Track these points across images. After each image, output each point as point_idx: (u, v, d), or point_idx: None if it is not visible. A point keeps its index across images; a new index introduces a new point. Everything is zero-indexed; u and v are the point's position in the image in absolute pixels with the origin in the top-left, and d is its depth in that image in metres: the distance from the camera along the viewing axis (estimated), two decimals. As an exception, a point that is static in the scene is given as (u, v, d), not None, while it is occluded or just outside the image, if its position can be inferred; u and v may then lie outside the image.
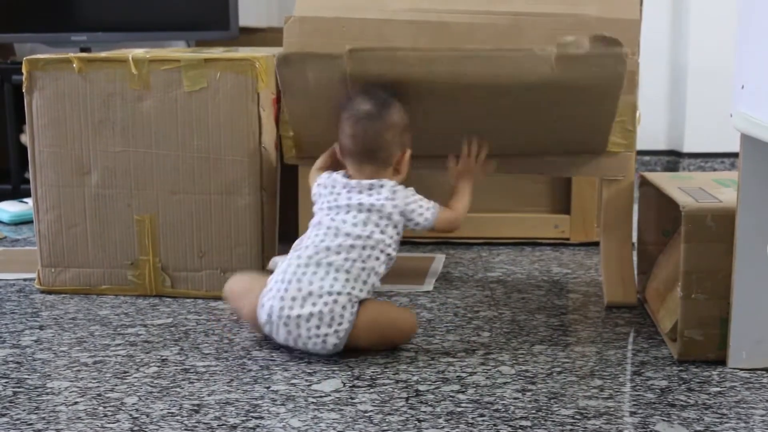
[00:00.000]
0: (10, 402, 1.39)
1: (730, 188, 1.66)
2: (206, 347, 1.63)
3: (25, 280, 2.08)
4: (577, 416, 1.32)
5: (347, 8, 1.91)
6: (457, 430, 1.27)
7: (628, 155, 1.90)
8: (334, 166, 1.77)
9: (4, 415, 1.34)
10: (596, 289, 1.97)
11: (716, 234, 1.51)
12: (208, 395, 1.41)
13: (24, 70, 1.93)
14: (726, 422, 1.30)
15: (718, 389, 1.42)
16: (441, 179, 2.39)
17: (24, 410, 1.36)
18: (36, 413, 1.35)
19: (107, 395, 1.41)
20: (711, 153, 3.24)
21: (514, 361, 1.54)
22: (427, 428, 1.28)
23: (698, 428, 1.28)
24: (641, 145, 2.48)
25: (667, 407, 1.35)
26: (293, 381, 1.46)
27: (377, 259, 1.61)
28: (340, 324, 1.55)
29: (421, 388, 1.43)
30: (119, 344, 1.65)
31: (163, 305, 1.90)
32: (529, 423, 1.29)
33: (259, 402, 1.38)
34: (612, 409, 1.34)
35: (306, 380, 1.47)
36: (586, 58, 1.64)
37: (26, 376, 1.50)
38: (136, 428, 1.29)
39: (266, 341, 1.65)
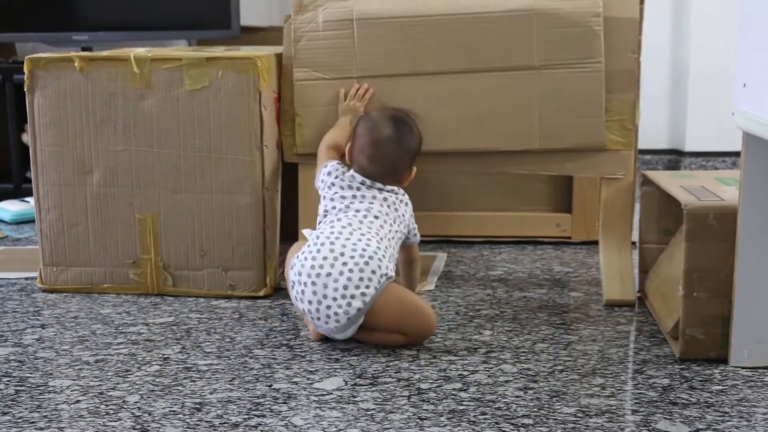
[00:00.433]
0: (12, 400, 1.39)
1: (732, 187, 1.66)
2: (208, 346, 1.63)
3: (26, 279, 2.09)
4: (579, 414, 1.32)
5: None
6: (459, 428, 1.27)
7: (627, 153, 1.90)
8: (342, 147, 1.85)
9: (6, 414, 1.34)
10: (597, 288, 1.97)
11: (718, 233, 1.50)
12: (210, 394, 1.41)
13: (26, 69, 1.93)
14: (728, 420, 1.30)
15: (720, 387, 1.42)
16: (442, 178, 2.42)
17: (26, 409, 1.36)
18: (38, 412, 1.35)
19: (109, 394, 1.41)
20: (712, 152, 3.23)
21: (516, 360, 1.54)
22: (429, 426, 1.28)
23: (700, 426, 1.28)
24: (643, 144, 2.49)
25: (668, 405, 1.35)
26: (295, 379, 1.46)
27: (399, 240, 1.72)
28: (367, 287, 1.56)
29: (423, 386, 1.43)
30: (121, 343, 1.65)
31: (164, 304, 1.90)
32: (531, 421, 1.29)
33: (261, 400, 1.38)
34: (614, 408, 1.34)
35: (308, 378, 1.47)
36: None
37: (28, 375, 1.50)
38: (138, 426, 1.29)
39: (268, 339, 1.66)
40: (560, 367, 1.51)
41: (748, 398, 1.38)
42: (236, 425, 1.29)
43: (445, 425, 1.28)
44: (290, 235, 2.07)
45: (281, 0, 3.41)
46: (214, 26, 2.87)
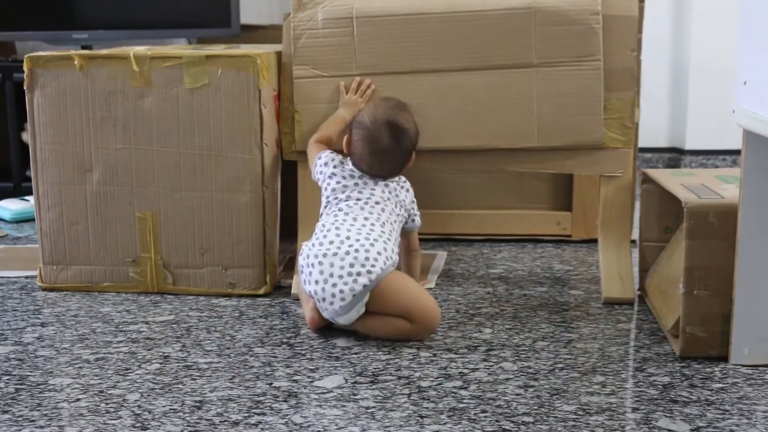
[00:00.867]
0: (13, 399, 1.39)
1: (733, 185, 1.66)
2: (208, 344, 1.63)
3: (26, 277, 2.09)
4: (579, 412, 1.31)
5: None
6: (459, 426, 1.27)
7: (626, 151, 1.90)
8: (332, 140, 1.89)
9: (6, 412, 1.34)
10: (598, 286, 1.96)
11: (718, 231, 1.50)
12: (210, 392, 1.41)
13: (25, 68, 1.93)
14: (728, 418, 1.30)
15: (721, 385, 1.42)
16: (443, 176, 2.42)
17: (26, 407, 1.36)
18: (38, 410, 1.35)
19: (109, 392, 1.41)
20: (713, 150, 3.23)
21: (516, 358, 1.54)
22: (429, 424, 1.28)
23: (700, 424, 1.28)
24: (643, 142, 2.49)
25: (669, 403, 1.35)
26: (295, 377, 1.46)
27: (400, 223, 1.77)
28: (373, 266, 1.59)
29: (424, 384, 1.43)
30: (121, 341, 1.65)
31: (164, 302, 1.90)
32: (531, 419, 1.29)
33: (262, 398, 1.38)
34: (614, 405, 1.34)
35: (308, 377, 1.46)
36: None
37: (28, 373, 1.50)
38: (138, 425, 1.29)
39: (268, 338, 1.66)
40: (560, 365, 1.51)
41: (748, 396, 1.38)
42: (236, 423, 1.29)
43: (445, 423, 1.28)
44: (291, 232, 2.07)
45: (281, -2, 3.41)
46: (215, 24, 2.87)
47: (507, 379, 1.44)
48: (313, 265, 1.62)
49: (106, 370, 1.50)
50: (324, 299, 1.61)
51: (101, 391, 1.41)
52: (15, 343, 1.65)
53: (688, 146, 3.26)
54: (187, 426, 1.28)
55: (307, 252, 1.65)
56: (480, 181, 2.43)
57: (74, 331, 1.71)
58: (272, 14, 3.33)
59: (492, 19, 1.87)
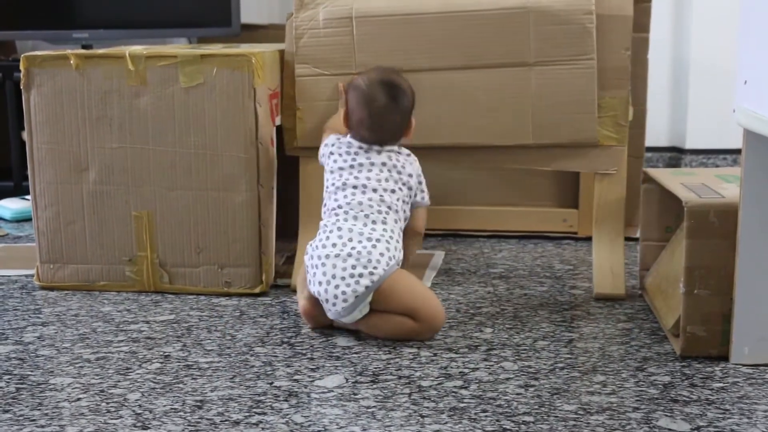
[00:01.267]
0: (13, 398, 1.39)
1: (733, 184, 1.66)
2: (209, 343, 1.63)
3: (27, 276, 2.09)
4: (579, 412, 1.31)
5: None
6: (459, 425, 1.27)
7: (620, 149, 1.92)
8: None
9: (7, 412, 1.34)
10: (598, 285, 1.97)
11: (719, 230, 1.50)
12: (211, 391, 1.41)
13: (22, 67, 1.93)
14: (729, 417, 1.30)
15: (721, 385, 1.42)
16: (450, 173, 2.44)
17: (27, 406, 1.36)
18: (39, 409, 1.35)
19: (110, 391, 1.41)
20: (713, 149, 3.23)
21: (517, 357, 1.54)
22: (429, 424, 1.28)
23: (701, 423, 1.28)
24: (643, 141, 2.48)
25: (669, 403, 1.35)
26: (296, 377, 1.46)
27: (405, 212, 1.74)
28: (375, 268, 1.59)
29: (424, 383, 1.43)
30: (122, 341, 1.65)
31: (165, 302, 1.90)
32: (531, 418, 1.29)
33: (262, 398, 1.38)
34: (615, 405, 1.34)
35: (309, 376, 1.46)
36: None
37: (29, 373, 1.50)
38: (138, 424, 1.29)
39: (269, 337, 1.66)
40: (561, 365, 1.51)
41: (749, 395, 1.38)
42: (237, 423, 1.29)
43: (446, 423, 1.28)
44: (289, 231, 2.08)
45: (282, -2, 3.40)
46: (215, 24, 2.87)
47: (507, 379, 1.44)
48: (316, 266, 1.63)
49: (107, 370, 1.50)
50: (327, 300, 1.62)
51: (102, 391, 1.41)
52: (16, 343, 1.65)
53: (688, 145, 3.26)
54: (188, 425, 1.28)
55: (311, 252, 1.66)
56: (486, 178, 2.45)
57: (75, 331, 1.71)
58: (273, 14, 3.33)
59: (488, 18, 1.89)
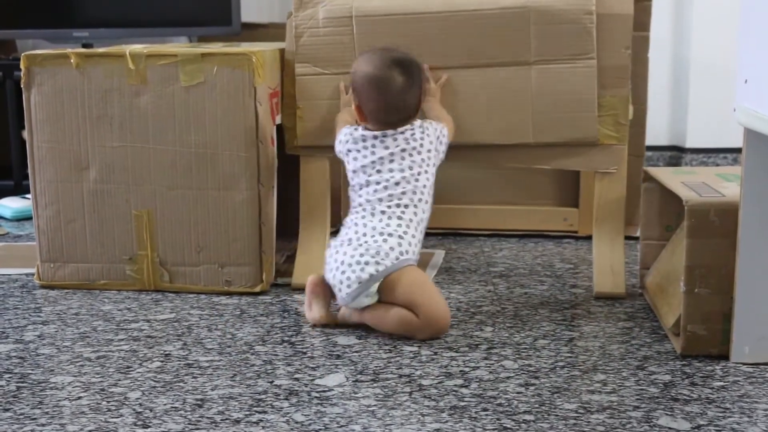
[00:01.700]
0: (14, 397, 1.39)
1: (734, 183, 1.66)
2: (209, 342, 1.63)
3: (27, 275, 2.09)
4: (580, 410, 1.31)
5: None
6: (460, 424, 1.27)
7: (620, 148, 1.93)
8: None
9: (7, 410, 1.34)
10: (598, 284, 1.97)
11: (719, 229, 1.50)
12: (212, 390, 1.41)
13: (22, 66, 1.93)
14: (729, 416, 1.30)
15: (721, 384, 1.42)
16: (451, 172, 2.44)
17: (27, 405, 1.36)
18: (39, 408, 1.35)
19: (110, 390, 1.41)
20: (714, 148, 3.23)
21: (517, 356, 1.54)
22: (430, 422, 1.28)
23: (701, 422, 1.28)
24: (643, 140, 2.48)
25: (670, 401, 1.35)
26: (296, 375, 1.46)
27: (426, 202, 1.74)
28: (383, 259, 1.63)
29: (425, 382, 1.43)
30: (122, 339, 1.65)
31: (165, 300, 1.90)
32: (532, 417, 1.29)
33: (263, 396, 1.38)
34: (615, 404, 1.34)
35: (309, 375, 1.47)
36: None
37: (29, 371, 1.50)
38: (139, 423, 1.29)
39: (269, 336, 1.66)
40: (561, 364, 1.51)
41: (749, 394, 1.38)
42: (237, 421, 1.29)
43: (446, 421, 1.28)
44: (290, 230, 2.08)
45: (282, -3, 3.40)
46: (215, 23, 2.87)
47: (508, 378, 1.44)
48: (332, 254, 1.68)
49: (108, 369, 1.50)
50: (335, 285, 1.66)
51: (102, 389, 1.41)
52: (16, 341, 1.65)
53: (688, 144, 3.26)
54: (189, 424, 1.28)
55: (332, 244, 1.72)
56: (487, 176, 2.45)
57: (75, 329, 1.71)
58: (273, 12, 3.33)
59: (489, 18, 1.89)
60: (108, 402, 1.36)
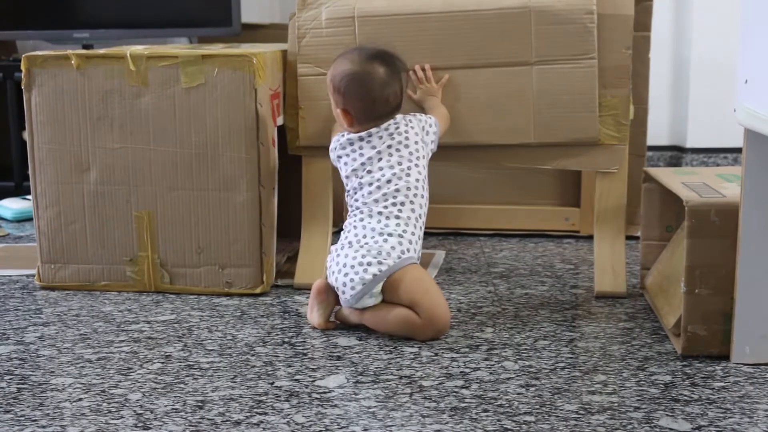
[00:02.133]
0: (15, 398, 1.39)
1: (734, 183, 1.66)
2: (210, 343, 1.63)
3: (28, 276, 2.09)
4: (581, 411, 1.31)
5: None
6: (461, 425, 1.27)
7: (621, 148, 1.93)
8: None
9: (8, 412, 1.34)
10: (599, 285, 1.97)
11: (720, 229, 1.50)
12: (212, 391, 1.41)
13: (23, 67, 1.93)
14: (730, 417, 1.30)
15: (722, 384, 1.42)
16: (452, 172, 2.44)
17: (28, 407, 1.36)
18: (40, 409, 1.35)
19: (111, 391, 1.41)
20: (714, 148, 3.23)
21: (518, 357, 1.54)
22: (431, 424, 1.28)
23: (702, 423, 1.28)
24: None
25: (671, 402, 1.35)
26: (297, 377, 1.46)
27: (422, 197, 1.73)
28: (384, 259, 1.63)
29: (425, 383, 1.43)
30: (123, 341, 1.65)
31: (166, 302, 1.90)
32: (533, 418, 1.29)
33: (263, 398, 1.38)
34: (616, 404, 1.34)
35: (310, 376, 1.46)
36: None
37: (30, 373, 1.50)
38: (140, 424, 1.29)
39: (270, 337, 1.66)
40: (562, 364, 1.50)
41: (750, 395, 1.37)
42: (238, 423, 1.29)
43: (447, 422, 1.28)
44: (290, 231, 2.08)
45: (282, -3, 3.40)
46: (216, 23, 2.87)
47: (508, 379, 1.44)
48: (333, 258, 1.68)
49: (108, 370, 1.50)
50: (338, 288, 1.66)
51: (103, 391, 1.41)
52: (17, 343, 1.65)
53: (689, 144, 3.26)
54: (189, 426, 1.28)
55: (332, 249, 1.72)
56: (488, 176, 2.46)
57: (76, 331, 1.71)
58: (273, 13, 3.33)
59: (489, 18, 1.89)
60: (109, 403, 1.36)
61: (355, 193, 1.74)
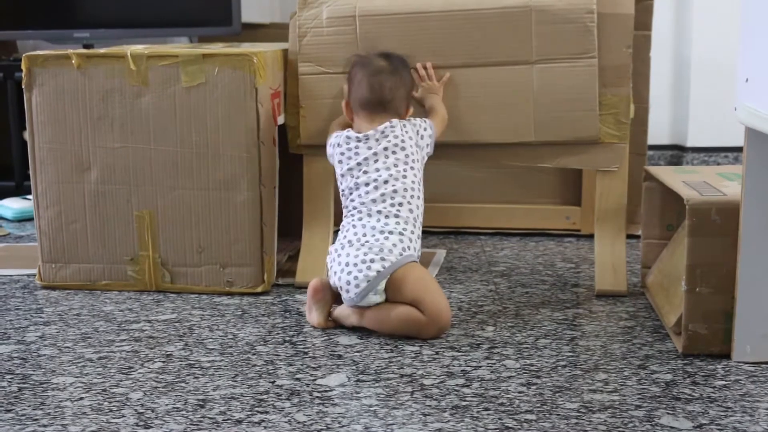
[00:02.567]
0: (16, 398, 1.39)
1: (735, 182, 1.66)
2: (211, 342, 1.63)
3: (28, 276, 2.09)
4: (582, 410, 1.31)
5: None
6: (462, 423, 1.27)
7: (621, 146, 1.93)
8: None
9: (9, 411, 1.34)
10: (600, 283, 1.97)
11: (721, 228, 1.50)
12: (213, 390, 1.41)
13: (23, 67, 1.93)
14: (731, 415, 1.30)
15: (723, 383, 1.42)
16: (453, 171, 2.45)
17: (29, 406, 1.36)
18: (41, 409, 1.35)
19: (112, 390, 1.41)
20: (714, 147, 3.23)
21: (519, 355, 1.54)
22: (432, 422, 1.28)
23: (703, 421, 1.28)
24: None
25: (672, 401, 1.35)
26: (298, 376, 1.46)
27: (418, 198, 1.74)
28: (387, 255, 1.64)
29: (426, 382, 1.43)
30: (124, 340, 1.65)
31: (167, 301, 1.90)
32: (534, 416, 1.29)
33: (264, 397, 1.38)
34: (617, 403, 1.34)
35: (311, 375, 1.47)
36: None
37: (31, 372, 1.50)
38: (141, 423, 1.29)
39: (270, 336, 1.66)
40: (563, 363, 1.51)
41: (751, 393, 1.38)
42: (239, 422, 1.29)
43: (448, 421, 1.28)
44: (291, 230, 2.08)
45: (282, -4, 3.40)
46: (216, 23, 2.87)
47: (509, 377, 1.44)
48: (334, 258, 1.68)
49: (109, 369, 1.50)
50: (341, 287, 1.65)
51: (104, 390, 1.41)
52: (18, 342, 1.65)
53: (689, 143, 3.26)
54: (190, 424, 1.28)
55: (331, 249, 1.71)
56: (489, 175, 2.46)
57: (77, 330, 1.71)
58: (273, 12, 3.33)
59: (490, 17, 1.90)
60: (110, 402, 1.36)
61: (351, 193, 1.75)
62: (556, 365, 1.49)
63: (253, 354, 1.57)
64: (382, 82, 1.79)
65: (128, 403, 1.36)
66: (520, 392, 1.38)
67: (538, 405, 1.33)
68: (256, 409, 1.34)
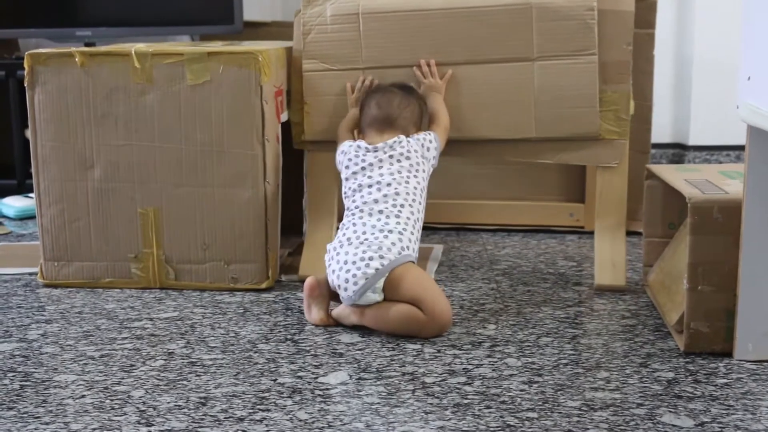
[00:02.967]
0: (18, 395, 1.39)
1: (737, 180, 1.66)
2: (212, 340, 1.63)
3: (30, 274, 2.09)
4: (583, 408, 1.31)
5: None
6: (463, 422, 1.27)
7: (621, 143, 1.94)
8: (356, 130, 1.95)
9: (11, 409, 1.34)
10: (602, 282, 1.97)
11: (723, 226, 1.50)
12: (215, 388, 1.41)
13: (26, 65, 1.93)
14: (733, 413, 1.30)
15: (725, 381, 1.42)
16: (457, 167, 2.45)
17: (31, 403, 1.36)
18: (43, 406, 1.35)
19: (114, 388, 1.41)
20: (716, 146, 3.23)
21: (521, 354, 1.54)
22: (433, 420, 1.28)
23: (705, 419, 1.28)
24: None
25: (673, 399, 1.35)
26: (300, 374, 1.46)
27: (420, 203, 1.77)
28: (386, 254, 1.64)
29: (428, 380, 1.43)
30: (126, 338, 1.65)
31: (169, 299, 1.90)
32: (535, 415, 1.29)
33: (266, 395, 1.38)
34: (618, 401, 1.34)
35: (312, 373, 1.47)
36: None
37: (33, 370, 1.50)
38: (143, 421, 1.29)
39: (272, 334, 1.66)
40: (565, 361, 1.51)
41: (752, 391, 1.37)
42: (241, 419, 1.29)
43: (449, 419, 1.28)
44: (295, 227, 2.08)
45: (285, -5, 3.40)
46: (217, 21, 2.87)
47: (511, 375, 1.44)
48: (332, 256, 1.68)
49: (111, 367, 1.51)
50: (339, 286, 1.65)
51: (106, 388, 1.41)
52: (20, 340, 1.65)
53: (691, 142, 3.26)
54: (192, 422, 1.29)
55: (330, 247, 1.72)
56: (493, 172, 2.47)
57: (79, 328, 1.71)
58: (275, 11, 3.33)
59: (491, 14, 1.91)
60: (111, 400, 1.37)
61: (354, 194, 1.77)
62: (558, 363, 1.49)
63: (255, 352, 1.57)
64: (390, 99, 1.85)
65: (130, 401, 1.36)
66: (521, 390, 1.38)
67: (540, 403, 1.33)
68: (258, 407, 1.34)
